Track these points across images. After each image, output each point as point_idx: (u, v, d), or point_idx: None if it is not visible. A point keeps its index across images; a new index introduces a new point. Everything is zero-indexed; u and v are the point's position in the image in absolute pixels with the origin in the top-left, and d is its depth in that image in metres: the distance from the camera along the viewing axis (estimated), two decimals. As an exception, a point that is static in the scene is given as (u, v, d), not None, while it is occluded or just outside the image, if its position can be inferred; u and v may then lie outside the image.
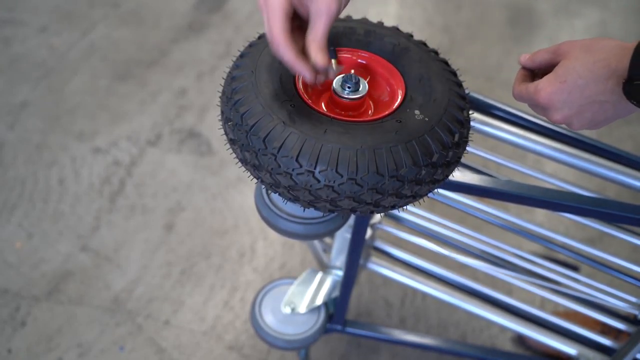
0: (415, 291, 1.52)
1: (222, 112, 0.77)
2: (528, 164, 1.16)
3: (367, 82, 0.78)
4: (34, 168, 1.83)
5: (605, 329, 1.27)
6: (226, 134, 0.77)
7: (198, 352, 1.47)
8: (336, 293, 1.26)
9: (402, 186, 0.70)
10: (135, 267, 1.62)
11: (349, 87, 0.76)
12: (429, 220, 1.23)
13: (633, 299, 1.15)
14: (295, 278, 1.29)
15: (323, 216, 0.93)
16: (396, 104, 0.77)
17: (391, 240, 1.32)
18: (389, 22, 0.91)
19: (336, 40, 0.82)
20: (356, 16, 0.90)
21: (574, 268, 1.37)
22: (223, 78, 0.80)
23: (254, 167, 0.73)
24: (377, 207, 0.73)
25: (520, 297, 1.29)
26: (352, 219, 1.03)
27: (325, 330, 1.26)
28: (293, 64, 0.70)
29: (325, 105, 0.78)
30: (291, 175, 0.69)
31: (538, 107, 0.74)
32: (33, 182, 1.79)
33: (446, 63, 0.83)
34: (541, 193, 0.90)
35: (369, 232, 1.22)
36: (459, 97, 0.78)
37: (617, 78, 0.66)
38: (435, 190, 0.78)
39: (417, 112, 0.75)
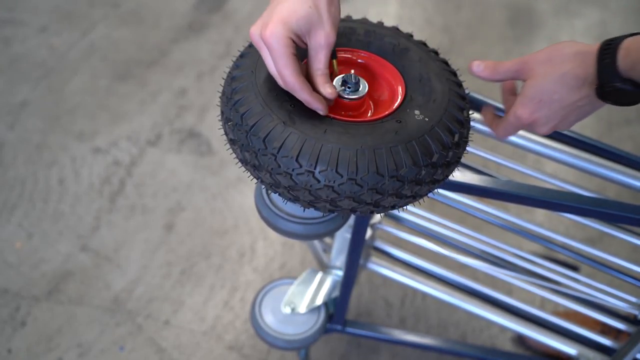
0: (415, 291, 1.52)
1: (222, 112, 0.77)
2: (528, 164, 1.16)
3: (367, 82, 0.78)
4: (34, 168, 1.83)
5: (605, 329, 1.27)
6: (226, 134, 0.77)
7: (198, 352, 1.47)
8: (336, 293, 1.26)
9: (402, 186, 0.70)
10: (135, 267, 1.62)
11: (349, 87, 0.76)
12: (429, 220, 1.23)
13: (633, 299, 1.15)
14: (295, 278, 1.29)
15: (323, 216, 0.93)
16: (396, 104, 0.77)
17: (391, 240, 1.32)
18: (389, 22, 0.91)
19: (336, 41, 0.82)
20: (356, 16, 0.90)
21: (574, 268, 1.37)
22: (223, 78, 0.80)
23: (254, 168, 0.73)
24: (377, 207, 0.73)
25: (520, 297, 1.29)
26: (352, 219, 1.03)
27: (325, 330, 1.26)
28: (309, 102, 0.71)
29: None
30: (291, 175, 0.69)
31: (524, 128, 0.75)
32: (33, 182, 1.80)
33: (446, 63, 0.83)
34: (541, 193, 0.90)
35: (369, 232, 1.22)
36: (459, 97, 0.78)
37: (589, 84, 0.67)
38: (435, 190, 0.78)
39: (417, 112, 0.75)
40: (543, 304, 1.60)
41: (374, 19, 0.92)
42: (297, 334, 1.23)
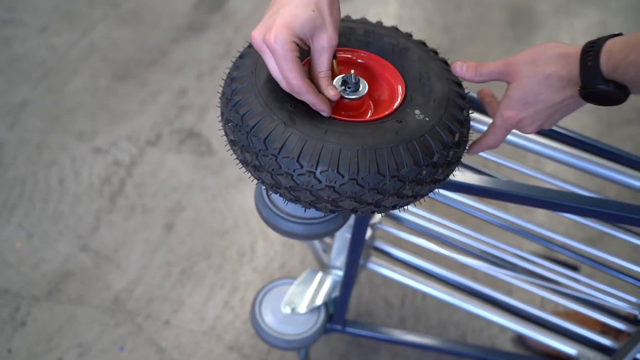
0: (415, 291, 1.52)
1: (222, 114, 0.77)
2: (528, 164, 1.16)
3: (367, 82, 0.78)
4: (34, 168, 1.83)
5: (605, 329, 1.27)
6: (226, 135, 0.77)
7: (198, 352, 1.47)
8: (336, 293, 1.26)
9: (403, 186, 0.70)
10: (135, 267, 1.62)
11: (349, 88, 0.76)
12: (429, 220, 1.23)
13: (633, 299, 1.15)
14: (295, 278, 1.29)
15: (323, 216, 0.93)
16: (396, 104, 0.77)
17: (391, 240, 1.32)
18: (389, 22, 0.91)
19: None
20: (356, 16, 0.90)
21: (574, 268, 1.37)
22: (223, 79, 0.80)
23: (255, 168, 0.73)
24: (378, 207, 0.73)
25: (520, 297, 1.29)
26: (352, 219, 1.03)
27: (325, 330, 1.26)
28: (315, 104, 0.72)
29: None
30: (292, 176, 0.69)
31: (512, 128, 0.76)
32: (33, 182, 1.80)
33: (445, 62, 0.83)
34: (541, 193, 0.90)
35: (369, 232, 1.22)
36: (459, 97, 0.78)
37: (573, 85, 0.68)
38: (436, 190, 0.78)
39: (417, 112, 0.75)
40: (543, 304, 1.60)
41: (373, 19, 0.92)
42: (297, 334, 1.23)
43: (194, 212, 1.76)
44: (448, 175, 0.77)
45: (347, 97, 0.76)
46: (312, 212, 0.92)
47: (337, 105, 0.77)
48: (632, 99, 0.71)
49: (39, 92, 2.08)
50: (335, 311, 1.26)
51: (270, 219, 0.94)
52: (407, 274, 1.30)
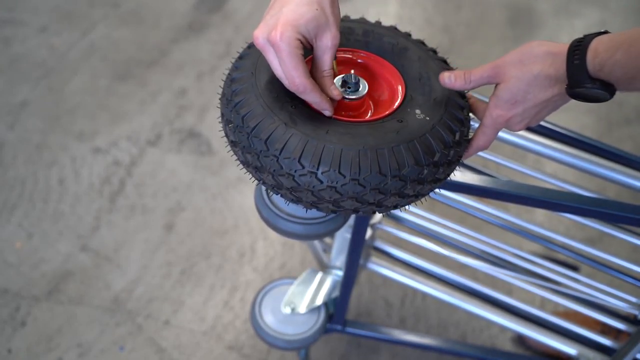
0: (415, 291, 1.52)
1: (223, 115, 0.77)
2: (528, 164, 1.16)
3: (367, 82, 0.78)
4: (34, 168, 1.83)
5: (605, 329, 1.28)
6: (227, 136, 0.77)
7: (198, 352, 1.47)
8: (336, 293, 1.26)
9: (404, 186, 0.70)
10: (135, 267, 1.62)
11: (349, 88, 0.76)
12: (429, 220, 1.23)
13: (633, 299, 1.15)
14: (295, 278, 1.29)
15: (323, 216, 0.93)
16: (397, 104, 0.77)
17: (391, 240, 1.32)
18: (389, 22, 0.91)
19: None
20: (356, 16, 0.90)
21: (574, 268, 1.38)
22: (223, 79, 0.80)
23: (256, 169, 0.73)
24: (380, 207, 0.73)
25: (520, 297, 1.29)
26: (352, 219, 1.03)
27: (325, 330, 1.27)
28: (319, 103, 0.72)
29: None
30: (294, 176, 0.69)
31: (502, 128, 0.77)
32: (33, 182, 1.79)
33: (445, 62, 0.83)
34: (541, 193, 0.90)
35: (369, 232, 1.22)
36: (458, 96, 0.78)
37: (560, 83, 0.69)
38: (436, 189, 0.78)
39: (417, 111, 0.75)
40: (543, 304, 1.60)
41: (373, 18, 0.92)
42: (297, 334, 1.23)
43: (194, 212, 1.76)
44: (449, 175, 0.77)
45: (347, 97, 0.76)
46: (312, 212, 0.92)
47: (338, 105, 0.77)
48: (632, 99, 0.71)
49: (39, 92, 2.08)
50: (335, 311, 1.26)
51: (270, 219, 0.94)
52: (407, 274, 1.30)
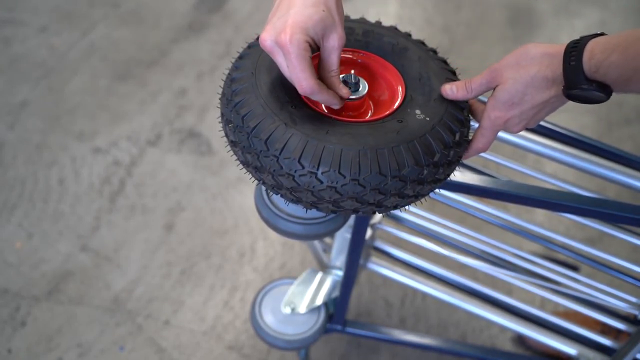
0: (415, 291, 1.52)
1: (223, 115, 0.77)
2: (528, 164, 1.16)
3: (367, 82, 0.78)
4: (34, 168, 1.83)
5: (605, 329, 1.28)
6: (227, 136, 0.77)
7: (198, 352, 1.47)
8: (336, 293, 1.26)
9: (404, 186, 0.70)
10: (135, 267, 1.62)
11: (349, 88, 0.76)
12: (429, 220, 1.23)
13: (633, 299, 1.15)
14: (295, 278, 1.29)
15: (323, 216, 0.93)
16: (397, 104, 0.77)
17: (391, 240, 1.32)
18: (389, 22, 0.91)
19: None
20: (355, 16, 0.90)
21: (574, 268, 1.38)
22: (223, 79, 0.80)
23: (256, 169, 0.73)
24: (380, 207, 0.73)
25: (520, 297, 1.29)
26: (352, 219, 1.03)
27: (325, 330, 1.27)
28: (328, 102, 0.73)
29: (325, 106, 0.78)
30: (293, 176, 0.69)
31: (500, 129, 0.77)
32: (33, 182, 1.80)
33: (445, 62, 0.83)
34: (541, 193, 0.90)
35: (369, 232, 1.22)
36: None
37: (557, 85, 0.69)
38: (436, 190, 0.78)
39: (417, 111, 0.75)
40: (543, 304, 1.60)
41: (373, 18, 0.92)
42: (297, 334, 1.23)
43: (194, 212, 1.76)
44: (449, 175, 0.77)
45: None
46: (312, 212, 0.92)
47: (338, 105, 0.77)
48: (632, 99, 0.71)
49: (39, 92, 2.08)
50: (335, 311, 1.26)
51: (270, 219, 0.94)
52: (407, 274, 1.30)
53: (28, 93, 2.06)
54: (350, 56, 0.83)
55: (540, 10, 2.69)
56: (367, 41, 0.83)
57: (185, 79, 2.17)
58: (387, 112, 0.76)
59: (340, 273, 1.26)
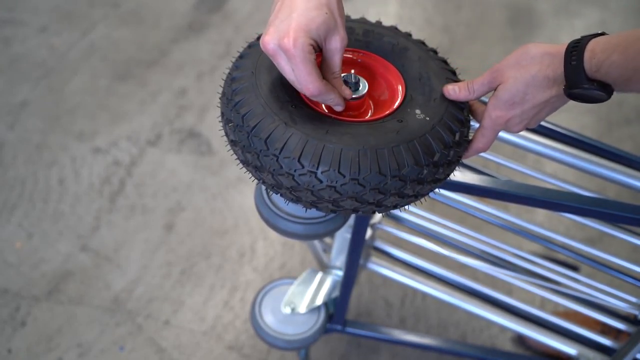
0: (415, 291, 1.52)
1: (223, 114, 0.77)
2: (528, 164, 1.16)
3: (367, 82, 0.78)
4: (34, 168, 1.83)
5: (605, 329, 1.28)
6: (227, 135, 0.77)
7: (198, 352, 1.47)
8: (336, 293, 1.26)
9: (404, 186, 0.70)
10: (135, 267, 1.62)
11: (349, 87, 0.76)
12: (429, 220, 1.23)
13: (633, 299, 1.15)
14: (295, 278, 1.29)
15: (323, 216, 0.93)
16: (397, 104, 0.77)
17: (391, 240, 1.32)
18: (389, 22, 0.91)
19: None
20: (355, 16, 0.90)
21: (574, 268, 1.38)
22: (223, 79, 0.80)
23: (256, 169, 0.73)
24: (379, 207, 0.73)
25: (520, 297, 1.29)
26: (352, 219, 1.03)
27: (325, 330, 1.27)
28: (333, 103, 0.74)
29: (325, 106, 0.78)
30: (293, 176, 0.69)
31: (500, 129, 0.77)
32: (33, 182, 1.80)
33: (445, 62, 0.83)
34: (541, 193, 0.90)
35: (369, 232, 1.22)
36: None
37: (558, 84, 0.69)
38: (436, 189, 0.78)
39: (417, 111, 0.75)
40: (543, 304, 1.60)
41: (373, 18, 0.92)
42: (297, 334, 1.23)
43: (194, 212, 1.76)
44: (449, 175, 0.77)
45: (347, 97, 0.76)
46: (312, 212, 0.92)
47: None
48: (632, 99, 0.71)
49: (39, 92, 2.08)
50: (335, 311, 1.26)
51: (270, 219, 0.94)
52: (407, 274, 1.30)
53: (28, 93, 2.06)
54: (351, 56, 0.83)
55: (540, 10, 2.69)
56: (368, 41, 0.83)
57: (185, 79, 2.17)
58: (387, 112, 0.76)
59: (340, 273, 1.26)
